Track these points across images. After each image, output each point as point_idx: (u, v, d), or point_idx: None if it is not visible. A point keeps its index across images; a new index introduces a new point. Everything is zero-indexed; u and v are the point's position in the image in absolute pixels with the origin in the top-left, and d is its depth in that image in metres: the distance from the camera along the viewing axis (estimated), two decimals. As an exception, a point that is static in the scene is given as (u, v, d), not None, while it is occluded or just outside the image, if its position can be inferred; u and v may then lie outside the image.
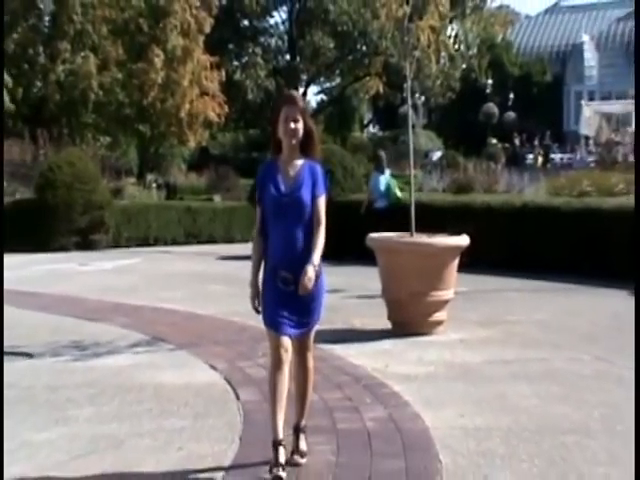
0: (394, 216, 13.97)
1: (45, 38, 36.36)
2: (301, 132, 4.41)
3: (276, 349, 4.34)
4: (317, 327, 4.51)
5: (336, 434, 5.15)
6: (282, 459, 4.27)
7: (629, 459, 4.72)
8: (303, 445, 4.58)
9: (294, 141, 4.41)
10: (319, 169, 4.47)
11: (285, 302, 4.33)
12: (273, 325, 4.36)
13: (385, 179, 15.01)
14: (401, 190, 15.31)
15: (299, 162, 4.45)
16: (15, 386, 6.43)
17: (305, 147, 4.46)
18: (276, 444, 4.29)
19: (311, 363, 4.59)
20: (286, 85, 43.19)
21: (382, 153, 15.66)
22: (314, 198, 4.40)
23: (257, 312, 4.46)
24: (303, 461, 4.51)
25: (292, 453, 4.50)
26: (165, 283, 12.90)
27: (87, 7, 35.41)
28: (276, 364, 4.33)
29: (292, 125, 4.37)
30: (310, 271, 4.24)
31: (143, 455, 4.83)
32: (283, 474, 4.22)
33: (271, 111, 4.49)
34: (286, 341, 4.34)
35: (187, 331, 8.72)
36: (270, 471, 4.23)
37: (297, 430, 4.59)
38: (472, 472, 4.50)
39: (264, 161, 4.67)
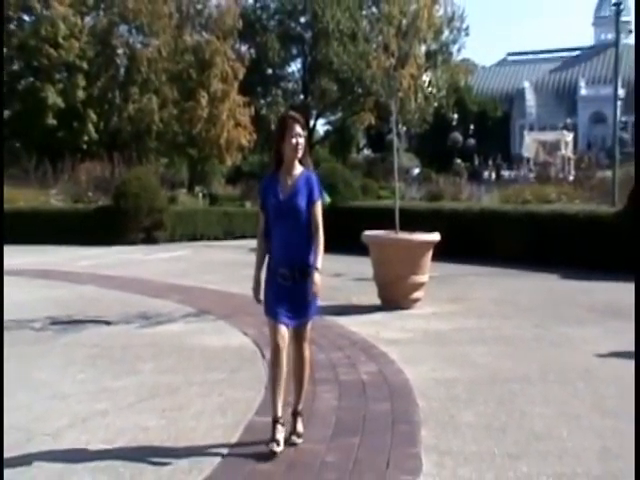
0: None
1: (120, 85, 36.59)
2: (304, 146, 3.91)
3: (274, 335, 3.83)
4: (323, 303, 4.34)
5: (338, 384, 5.14)
6: (279, 436, 3.76)
7: (558, 400, 4.72)
8: (300, 427, 3.97)
9: (300, 154, 3.87)
10: (314, 178, 3.91)
11: (283, 295, 3.83)
12: (271, 314, 3.85)
13: None
14: (331, 198, 15.35)
15: (297, 171, 3.90)
16: (98, 346, 6.46)
17: (301, 157, 3.93)
18: (274, 421, 3.81)
19: (308, 353, 4.00)
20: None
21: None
22: (311, 204, 3.86)
23: (258, 302, 3.96)
24: (300, 441, 3.90)
25: (290, 434, 3.91)
26: (209, 269, 12.87)
27: (151, 61, 35.75)
28: (275, 350, 3.83)
29: (300, 140, 3.85)
30: (316, 277, 3.76)
31: (193, 399, 4.82)
32: (278, 449, 3.72)
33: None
34: (282, 329, 3.82)
35: (226, 305, 8.70)
36: (267, 445, 3.74)
37: (295, 414, 4.00)
38: (442, 412, 4.49)
39: (265, 175, 4.08)
